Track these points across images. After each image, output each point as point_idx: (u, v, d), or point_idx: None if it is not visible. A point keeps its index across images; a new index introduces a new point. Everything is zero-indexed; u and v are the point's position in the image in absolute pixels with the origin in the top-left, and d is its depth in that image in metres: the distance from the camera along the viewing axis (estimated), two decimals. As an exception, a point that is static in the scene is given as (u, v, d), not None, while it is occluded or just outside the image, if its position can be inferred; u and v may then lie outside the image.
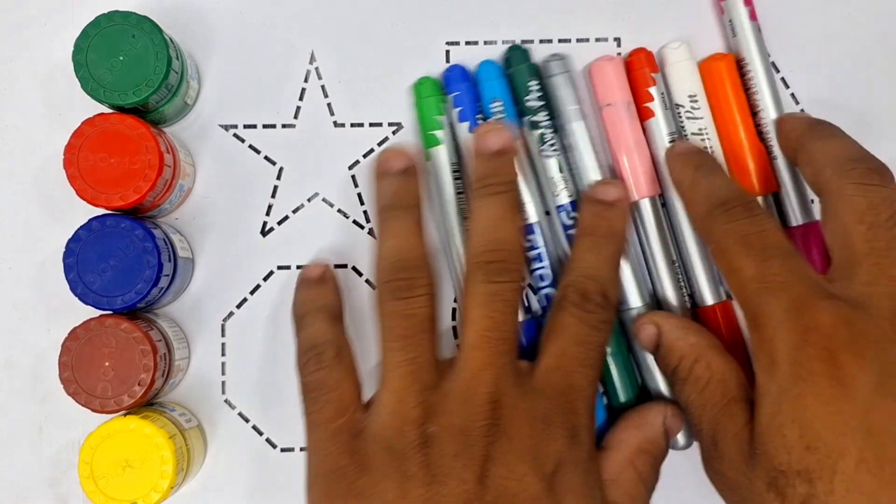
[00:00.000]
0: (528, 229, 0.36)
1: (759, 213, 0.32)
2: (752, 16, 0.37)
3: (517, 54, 0.37)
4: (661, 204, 0.37)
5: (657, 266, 0.36)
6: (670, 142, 0.36)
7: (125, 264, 0.34)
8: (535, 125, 0.36)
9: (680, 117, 0.37)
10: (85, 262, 0.34)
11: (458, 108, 0.36)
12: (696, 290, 0.36)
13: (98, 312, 0.35)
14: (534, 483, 0.30)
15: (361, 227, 0.38)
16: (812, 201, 0.37)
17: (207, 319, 0.38)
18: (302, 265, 0.38)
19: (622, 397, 0.36)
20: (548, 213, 0.37)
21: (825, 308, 0.29)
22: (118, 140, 0.34)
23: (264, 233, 0.38)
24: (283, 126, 0.38)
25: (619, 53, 0.38)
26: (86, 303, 0.34)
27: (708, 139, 0.36)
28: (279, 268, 0.38)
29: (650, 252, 0.36)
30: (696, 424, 0.33)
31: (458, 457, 0.30)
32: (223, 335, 0.38)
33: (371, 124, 0.38)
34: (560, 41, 0.38)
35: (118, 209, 0.34)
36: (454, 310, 0.38)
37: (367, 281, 0.38)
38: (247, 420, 0.38)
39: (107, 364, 0.34)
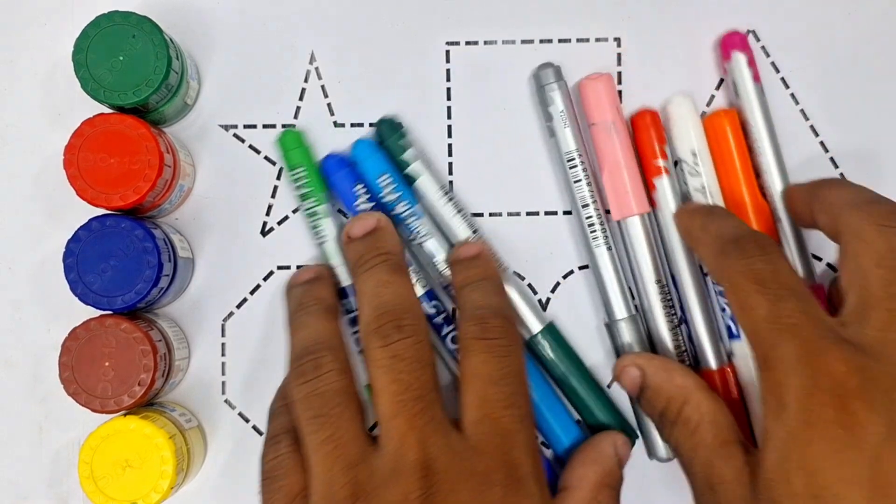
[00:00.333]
0: (429, 295, 0.36)
1: (772, 252, 0.31)
2: (756, 77, 0.37)
3: (386, 127, 0.37)
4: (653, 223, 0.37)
5: (644, 284, 0.36)
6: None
7: (125, 264, 0.34)
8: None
9: (682, 172, 0.37)
10: (85, 262, 0.34)
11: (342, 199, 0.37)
12: (698, 350, 0.37)
13: (98, 312, 0.35)
14: None
15: (361, 227, 0.38)
16: (820, 259, 0.37)
17: (207, 319, 0.38)
18: (302, 265, 0.38)
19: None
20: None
21: (837, 354, 0.29)
22: (118, 140, 0.34)
23: (264, 233, 0.38)
24: (283, 126, 0.38)
25: (619, 54, 0.38)
26: (86, 303, 0.34)
27: (711, 196, 0.36)
28: (279, 268, 0.38)
29: (638, 270, 0.36)
30: (688, 467, 0.32)
31: None
32: (223, 335, 0.38)
33: (371, 124, 0.38)
34: (560, 41, 0.38)
35: (118, 209, 0.34)
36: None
37: (367, 281, 0.38)
38: (247, 420, 0.38)
39: (107, 364, 0.34)
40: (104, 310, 0.34)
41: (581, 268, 0.38)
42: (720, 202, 0.36)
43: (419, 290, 0.36)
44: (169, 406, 0.36)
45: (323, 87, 0.38)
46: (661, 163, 0.36)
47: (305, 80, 0.38)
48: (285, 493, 0.31)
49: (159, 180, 0.34)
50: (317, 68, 0.38)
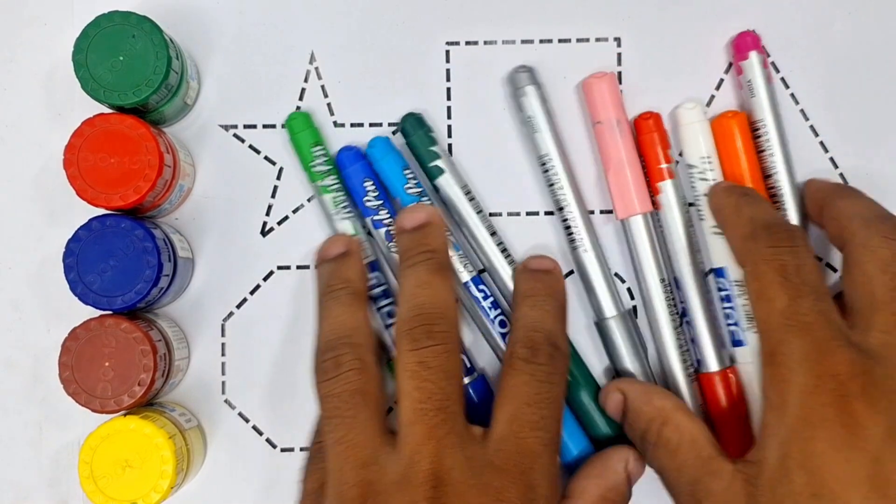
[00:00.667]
0: (475, 280, 0.36)
1: (801, 245, 0.32)
2: (770, 79, 0.37)
3: (412, 122, 0.37)
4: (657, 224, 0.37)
5: (647, 282, 0.36)
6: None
7: (125, 264, 0.34)
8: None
9: (692, 177, 0.37)
10: (85, 262, 0.34)
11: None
12: (700, 355, 0.37)
13: (98, 312, 0.35)
14: None
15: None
16: (820, 259, 0.37)
17: (207, 319, 0.38)
18: (302, 265, 0.38)
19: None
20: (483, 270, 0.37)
21: (844, 355, 0.29)
22: (118, 140, 0.34)
23: (264, 233, 0.38)
24: (283, 126, 0.38)
25: (619, 54, 0.38)
26: (86, 303, 0.34)
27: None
28: (279, 268, 0.38)
29: (640, 269, 0.36)
30: (673, 488, 0.32)
31: None
32: (223, 335, 0.38)
33: (371, 124, 0.38)
34: (560, 41, 0.38)
35: (118, 209, 0.34)
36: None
37: (367, 281, 0.38)
38: (247, 420, 0.38)
39: (107, 364, 0.34)
40: (104, 310, 0.34)
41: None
42: None
43: (465, 276, 0.36)
44: (169, 406, 0.36)
45: (323, 87, 0.38)
46: (664, 166, 0.36)
47: (305, 80, 0.38)
48: (305, 489, 0.32)
49: (159, 180, 0.34)
50: (317, 68, 0.38)
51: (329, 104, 0.38)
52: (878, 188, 0.38)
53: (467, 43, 0.38)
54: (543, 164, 0.37)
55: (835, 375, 0.29)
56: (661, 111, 0.38)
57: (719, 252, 0.36)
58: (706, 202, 0.36)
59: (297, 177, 0.38)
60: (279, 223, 0.38)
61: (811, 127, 0.38)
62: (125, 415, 0.34)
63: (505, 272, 0.36)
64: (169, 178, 0.35)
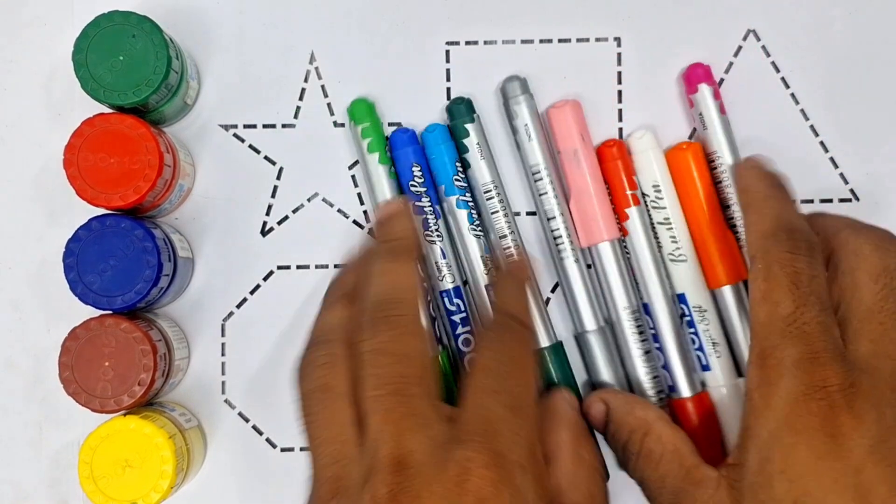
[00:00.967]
0: (455, 292, 0.36)
1: (816, 257, 0.32)
2: (722, 109, 0.37)
3: (460, 107, 0.37)
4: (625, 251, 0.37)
5: (617, 310, 0.36)
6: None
7: (125, 264, 0.34)
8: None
9: (646, 206, 0.37)
10: (85, 262, 0.34)
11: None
12: (672, 381, 0.36)
13: (98, 312, 0.35)
14: None
15: (361, 227, 0.38)
16: None
17: (207, 319, 0.38)
18: (302, 265, 0.38)
19: None
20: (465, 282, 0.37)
21: (836, 368, 0.29)
22: (118, 140, 0.34)
23: (264, 233, 0.38)
24: (283, 126, 0.38)
25: (619, 54, 0.38)
26: (86, 303, 0.34)
27: (673, 229, 0.36)
28: (279, 268, 0.38)
29: (610, 296, 0.36)
30: (656, 499, 0.32)
31: None
32: (223, 335, 0.38)
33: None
34: (560, 41, 0.38)
35: (118, 209, 0.34)
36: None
37: (367, 281, 0.38)
38: (247, 420, 0.38)
39: (107, 364, 0.34)
40: (104, 310, 0.34)
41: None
42: (684, 235, 0.36)
43: (447, 285, 0.36)
44: (169, 406, 0.36)
45: (323, 87, 0.38)
46: (629, 192, 0.36)
47: (305, 80, 0.38)
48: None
49: (159, 180, 0.34)
50: (317, 68, 0.38)
51: (329, 104, 0.38)
52: (878, 188, 0.38)
53: (467, 43, 0.38)
54: (536, 172, 0.36)
55: (825, 387, 0.29)
56: (660, 111, 0.38)
57: (680, 278, 0.36)
58: (731, 173, 0.36)
59: (298, 177, 0.38)
60: (279, 223, 0.38)
61: (811, 127, 0.38)
62: (125, 415, 0.34)
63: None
64: (169, 178, 0.35)
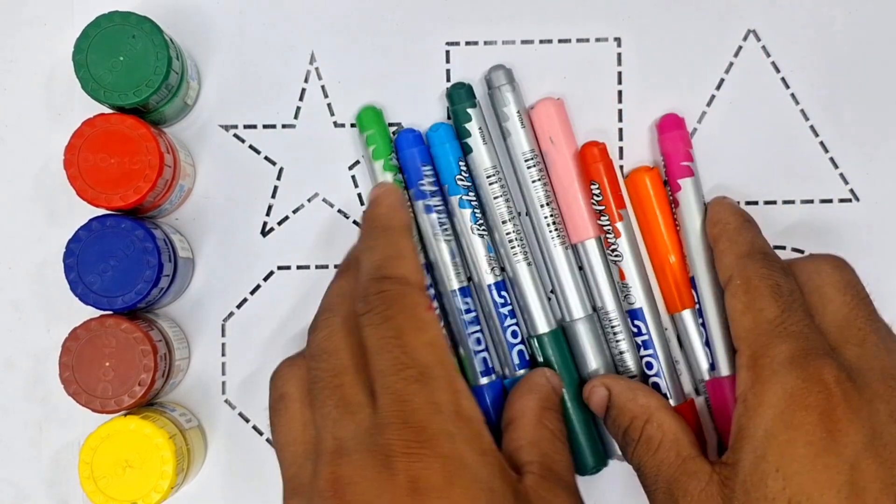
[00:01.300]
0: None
1: (792, 277, 0.33)
2: (690, 157, 0.37)
3: (460, 92, 0.37)
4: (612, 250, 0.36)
5: (606, 307, 0.36)
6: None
7: (125, 264, 0.34)
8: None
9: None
10: (85, 262, 0.34)
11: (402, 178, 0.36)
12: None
13: (98, 312, 0.35)
14: None
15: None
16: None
17: (207, 319, 0.38)
18: (302, 265, 0.38)
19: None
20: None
21: (830, 364, 0.30)
22: (118, 140, 0.34)
23: (264, 233, 0.38)
24: (283, 126, 0.38)
25: (619, 54, 0.38)
26: (86, 303, 0.34)
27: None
28: (279, 268, 0.38)
29: (599, 294, 0.36)
30: (650, 486, 0.32)
31: None
32: (223, 335, 0.38)
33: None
34: (560, 41, 0.38)
35: (118, 209, 0.34)
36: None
37: (367, 281, 0.38)
38: (247, 420, 0.38)
39: (107, 364, 0.34)
40: (104, 310, 0.34)
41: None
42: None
43: (455, 285, 0.36)
44: (169, 406, 0.37)
45: (323, 87, 0.38)
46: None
47: (305, 80, 0.38)
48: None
49: (159, 180, 0.34)
50: (317, 68, 0.38)
51: (329, 104, 0.38)
52: (878, 188, 0.38)
53: (467, 43, 0.38)
54: (527, 159, 0.36)
55: (822, 380, 0.29)
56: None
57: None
58: (705, 210, 0.36)
59: (298, 177, 0.38)
60: (279, 223, 0.38)
61: (811, 127, 0.38)
62: (125, 415, 0.34)
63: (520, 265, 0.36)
64: (169, 179, 0.35)
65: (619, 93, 0.38)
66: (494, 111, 0.37)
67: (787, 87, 0.38)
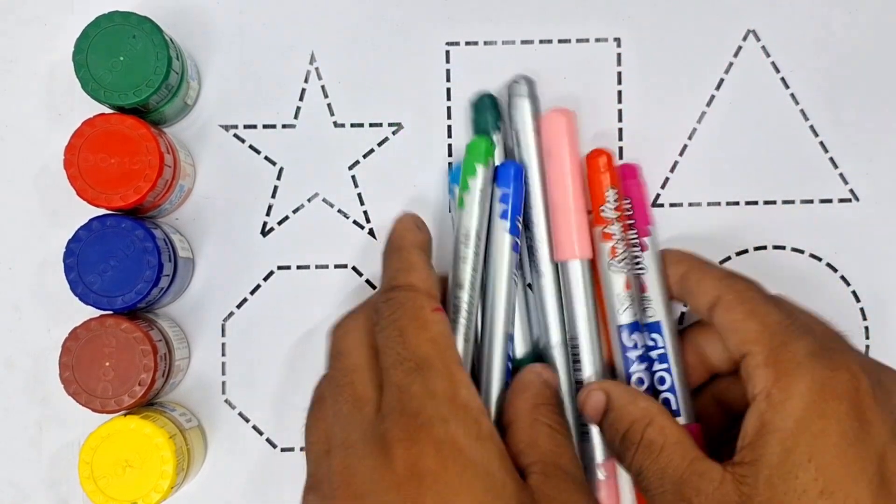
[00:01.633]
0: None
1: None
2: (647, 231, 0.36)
3: (485, 102, 0.37)
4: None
5: (578, 331, 0.36)
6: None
7: (125, 264, 0.34)
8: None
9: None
10: (85, 262, 0.34)
11: (503, 206, 0.35)
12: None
13: (98, 312, 0.35)
14: None
15: (361, 227, 0.38)
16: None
17: (207, 319, 0.38)
18: (302, 265, 0.38)
19: None
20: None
21: (852, 354, 0.30)
22: (118, 140, 0.34)
23: (264, 233, 0.38)
24: (283, 126, 0.38)
25: (619, 54, 0.38)
26: (86, 303, 0.34)
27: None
28: (279, 268, 0.38)
29: (573, 317, 0.35)
30: (655, 490, 0.31)
31: None
32: (223, 335, 0.38)
33: (371, 124, 0.38)
34: (560, 41, 0.38)
35: (118, 209, 0.34)
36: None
37: (367, 281, 0.38)
38: (247, 420, 0.38)
39: (107, 364, 0.34)
40: (104, 310, 0.34)
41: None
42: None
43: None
44: (169, 406, 0.37)
45: (323, 87, 0.38)
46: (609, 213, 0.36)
47: (305, 80, 0.38)
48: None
49: (159, 180, 0.34)
50: (317, 68, 0.38)
51: (329, 104, 0.38)
52: (878, 188, 0.38)
53: (467, 43, 0.38)
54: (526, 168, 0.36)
55: (849, 369, 0.29)
56: (660, 111, 0.38)
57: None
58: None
59: (298, 177, 0.38)
60: (279, 223, 0.38)
61: (811, 127, 0.38)
62: (125, 415, 0.34)
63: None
64: (169, 179, 0.35)
65: (619, 93, 0.38)
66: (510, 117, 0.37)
67: (787, 87, 0.38)
